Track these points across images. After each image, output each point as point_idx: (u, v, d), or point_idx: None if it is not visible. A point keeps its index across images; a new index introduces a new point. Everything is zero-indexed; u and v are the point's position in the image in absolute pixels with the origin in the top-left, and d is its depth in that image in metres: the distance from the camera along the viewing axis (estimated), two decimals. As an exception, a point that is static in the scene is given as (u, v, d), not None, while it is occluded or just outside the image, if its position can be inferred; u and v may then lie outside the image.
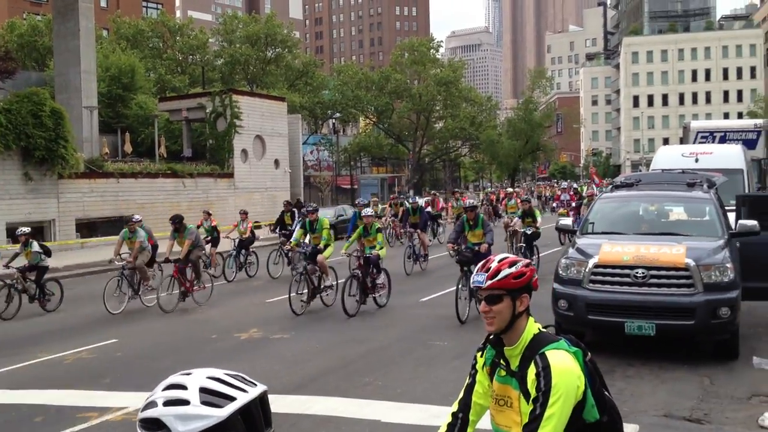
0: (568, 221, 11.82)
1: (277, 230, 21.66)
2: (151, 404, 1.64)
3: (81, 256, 26.09)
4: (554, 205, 30.37)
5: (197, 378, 1.65)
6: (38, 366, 9.92)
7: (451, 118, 67.88)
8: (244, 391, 1.64)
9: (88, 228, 30.64)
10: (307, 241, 14.12)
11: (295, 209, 21.78)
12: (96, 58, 36.06)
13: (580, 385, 2.63)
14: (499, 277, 2.75)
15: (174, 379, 1.68)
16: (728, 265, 8.76)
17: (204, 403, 1.59)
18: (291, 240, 14.83)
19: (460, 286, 11.87)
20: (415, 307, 13.59)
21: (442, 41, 78.56)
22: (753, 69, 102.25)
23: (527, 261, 2.90)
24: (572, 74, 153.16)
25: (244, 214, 20.47)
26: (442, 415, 7.11)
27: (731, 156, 15.02)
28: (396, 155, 70.52)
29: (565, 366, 2.62)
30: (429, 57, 68.37)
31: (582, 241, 9.92)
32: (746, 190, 14.04)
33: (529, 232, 17.44)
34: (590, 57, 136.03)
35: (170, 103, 41.44)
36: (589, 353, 2.86)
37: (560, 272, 9.49)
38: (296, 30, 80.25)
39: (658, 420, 6.88)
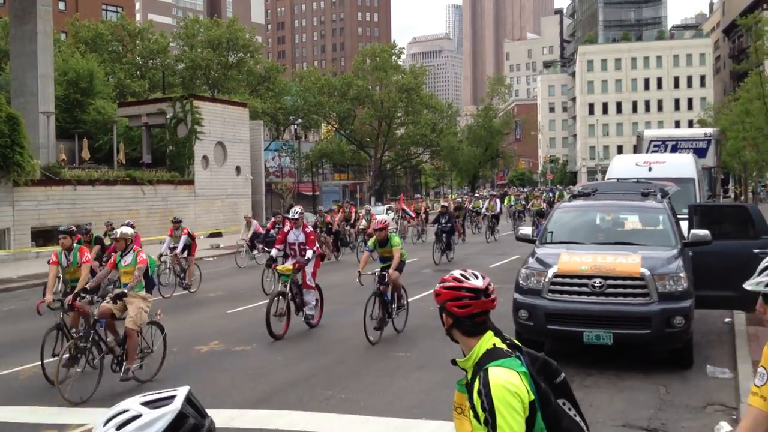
0: (527, 230, 11.97)
1: None
2: None
3: (36, 265, 25.58)
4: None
5: (131, 401, 1.76)
6: (-7, 381, 9.72)
7: (413, 125, 68.26)
8: (175, 390, 1.79)
9: (43, 237, 30.07)
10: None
11: None
12: (54, 62, 35.45)
13: (524, 401, 2.67)
14: None
15: (109, 414, 1.74)
16: (682, 275, 8.97)
17: (154, 408, 1.72)
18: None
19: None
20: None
21: (403, 48, 79.13)
22: (702, 78, 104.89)
23: (454, 284, 2.95)
24: (530, 81, 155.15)
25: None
26: (404, 428, 7.20)
27: (683, 165, 15.41)
28: (358, 162, 70.64)
29: (502, 382, 2.66)
30: (391, 63, 68.70)
31: (541, 251, 10.08)
32: (698, 199, 14.40)
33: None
34: (547, 65, 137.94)
35: (130, 109, 40.95)
36: (563, 374, 2.92)
37: (520, 282, 9.63)
38: (258, 35, 79.84)
39: (617, 430, 7.03)
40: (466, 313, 2.90)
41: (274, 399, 8.30)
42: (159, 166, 38.59)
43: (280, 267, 12.49)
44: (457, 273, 3.01)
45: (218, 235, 36.37)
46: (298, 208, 13.05)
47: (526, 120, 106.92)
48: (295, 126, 65.02)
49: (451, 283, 2.95)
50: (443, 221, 22.57)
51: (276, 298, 11.86)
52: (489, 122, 71.95)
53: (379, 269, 11.68)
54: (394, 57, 70.53)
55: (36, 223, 29.39)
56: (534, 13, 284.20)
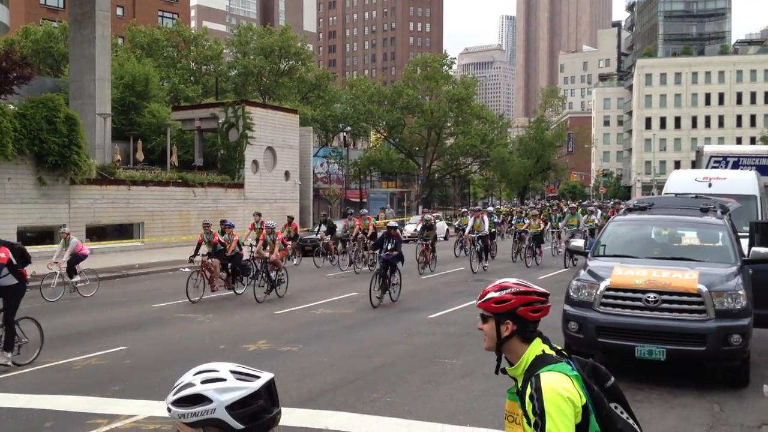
0: (579, 242, 11.78)
1: None
2: (187, 386, 1.95)
3: (90, 261, 26.13)
4: None
5: (223, 365, 2.00)
6: (47, 371, 9.96)
7: (462, 135, 67.98)
8: (262, 373, 2.02)
9: (98, 234, 30.79)
10: None
11: None
12: (111, 66, 36.34)
13: (577, 406, 2.64)
14: (484, 299, 2.92)
15: (201, 368, 2.00)
16: (741, 292, 8.73)
17: (238, 379, 1.95)
18: None
19: None
20: (423, 324, 13.57)
21: (455, 58, 78.82)
22: (767, 94, 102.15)
23: (525, 290, 2.91)
24: (585, 94, 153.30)
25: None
26: (450, 434, 7.12)
27: (745, 182, 14.98)
28: (406, 170, 70.60)
29: (556, 387, 2.64)
30: (442, 73, 68.57)
31: (593, 264, 9.90)
32: (759, 217, 13.99)
33: None
34: (603, 77, 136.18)
35: (183, 113, 41.68)
36: (612, 378, 2.89)
37: (571, 294, 9.47)
38: (310, 43, 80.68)
39: (668, 446, 6.83)
40: (538, 317, 2.89)
41: (321, 399, 8.31)
42: (210, 169, 39.17)
43: None
44: (513, 280, 2.98)
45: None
46: None
47: (579, 133, 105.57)
48: (344, 133, 65.33)
49: (521, 288, 2.91)
50: (388, 246, 16.28)
51: None
52: (541, 134, 71.24)
53: None
54: (445, 67, 70.39)
55: (91, 221, 30.07)
56: (590, 26, 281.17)
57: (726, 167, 17.97)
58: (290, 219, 26.11)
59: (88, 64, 33.78)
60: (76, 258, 17.76)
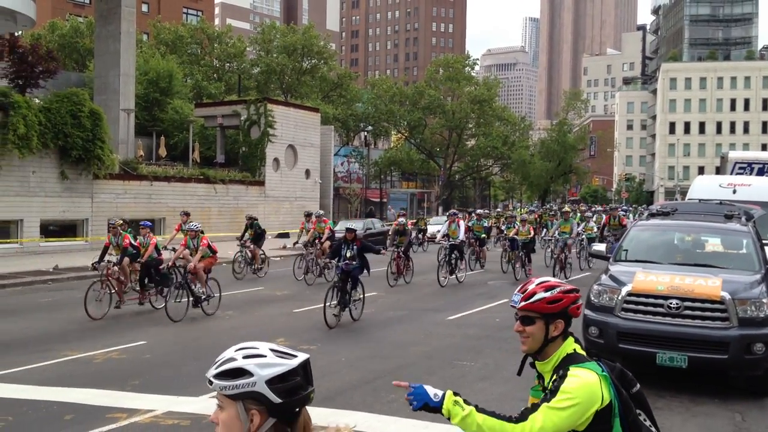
0: (601, 247, 11.69)
1: None
2: (228, 360, 2.02)
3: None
4: None
5: (262, 343, 2.09)
6: (69, 364, 10.04)
7: (484, 137, 67.81)
8: (299, 353, 2.10)
9: (119, 228, 31.00)
10: None
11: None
12: (135, 62, 36.63)
13: (596, 403, 2.63)
14: (532, 300, 2.83)
15: (242, 345, 2.08)
16: (765, 301, 8.61)
17: (277, 356, 2.02)
18: None
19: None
20: (442, 325, 13.54)
21: (477, 59, 78.55)
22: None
23: (569, 287, 2.89)
24: (608, 98, 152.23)
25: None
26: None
27: None
28: (426, 171, 70.54)
29: (582, 379, 2.64)
30: (464, 74, 68.47)
31: (615, 269, 9.82)
32: (784, 225, 13.79)
33: None
34: (627, 81, 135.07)
35: (206, 109, 41.97)
36: (638, 384, 2.88)
37: (592, 298, 9.40)
38: (332, 42, 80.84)
39: (689, 455, 6.75)
40: (580, 314, 2.90)
41: (339, 398, 8.31)
42: (231, 166, 39.38)
43: None
44: (554, 279, 2.94)
45: (285, 236, 36.83)
46: None
47: (602, 136, 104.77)
48: (365, 133, 65.45)
49: (566, 287, 2.88)
50: (347, 254, 13.65)
51: None
52: (563, 137, 70.84)
53: None
54: (467, 68, 70.25)
55: (113, 215, 30.27)
56: (615, 29, 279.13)
57: (751, 174, 17.73)
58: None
59: (113, 60, 34.09)
60: None
